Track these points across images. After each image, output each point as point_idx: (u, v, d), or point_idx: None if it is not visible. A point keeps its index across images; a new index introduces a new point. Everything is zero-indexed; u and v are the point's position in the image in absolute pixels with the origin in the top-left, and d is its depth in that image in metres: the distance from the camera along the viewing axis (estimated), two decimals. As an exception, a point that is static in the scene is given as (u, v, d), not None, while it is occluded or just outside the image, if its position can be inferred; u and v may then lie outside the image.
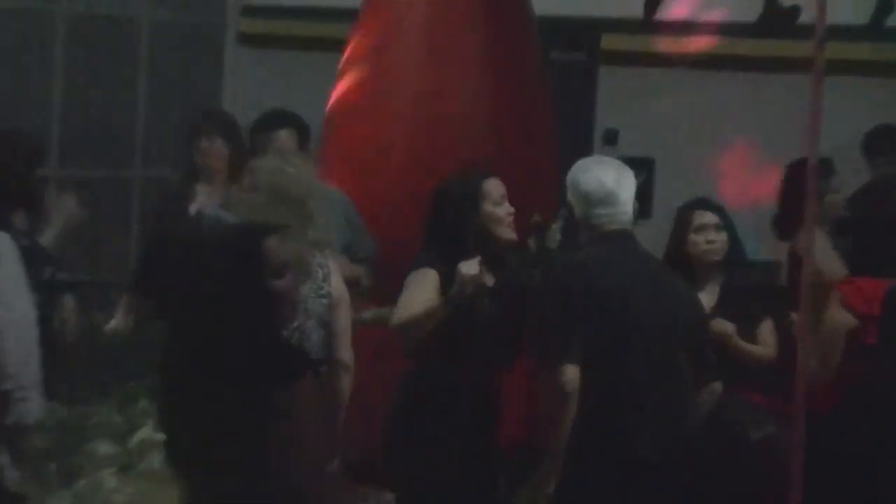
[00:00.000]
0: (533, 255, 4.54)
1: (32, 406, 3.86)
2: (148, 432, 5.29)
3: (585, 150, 7.85)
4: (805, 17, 6.94)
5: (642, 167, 7.52)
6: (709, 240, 4.88)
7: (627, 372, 4.01)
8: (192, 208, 5.38)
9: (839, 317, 4.33)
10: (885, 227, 4.64)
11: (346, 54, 6.25)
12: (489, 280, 4.36)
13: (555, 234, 4.71)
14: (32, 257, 4.68)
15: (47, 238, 5.08)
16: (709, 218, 4.94)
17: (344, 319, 4.51)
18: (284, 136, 5.61)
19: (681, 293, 4.26)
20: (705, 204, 5.04)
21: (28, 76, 8.41)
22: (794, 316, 4.37)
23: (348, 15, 6.51)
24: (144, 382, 5.86)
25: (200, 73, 9.42)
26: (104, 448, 5.02)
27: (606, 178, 4.16)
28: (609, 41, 8.49)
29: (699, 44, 8.04)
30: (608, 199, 4.14)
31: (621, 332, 4.00)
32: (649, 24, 8.12)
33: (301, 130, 5.76)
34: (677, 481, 4.02)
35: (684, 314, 4.18)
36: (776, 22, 7.31)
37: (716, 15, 7.98)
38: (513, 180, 4.62)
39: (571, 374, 3.90)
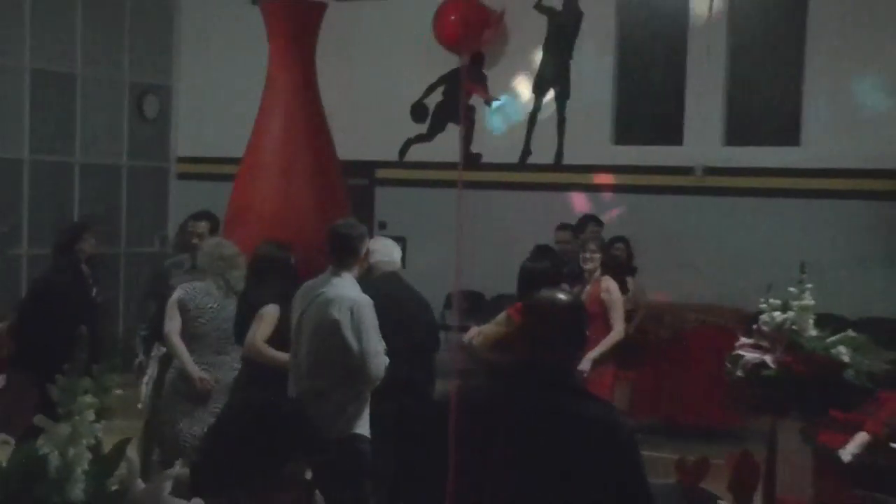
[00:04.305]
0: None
1: None
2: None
3: (369, 232, 11.09)
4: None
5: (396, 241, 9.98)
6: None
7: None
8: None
9: None
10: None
11: (236, 178, 10.26)
12: None
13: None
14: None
15: None
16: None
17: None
18: (203, 225, 8.36)
19: (413, 305, 5.95)
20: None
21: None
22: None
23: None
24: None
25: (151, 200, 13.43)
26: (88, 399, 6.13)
27: (395, 250, 6.22)
28: (381, 173, 12.35)
29: (431, 174, 11.66)
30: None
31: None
32: (402, 162, 12.18)
33: (213, 222, 8.40)
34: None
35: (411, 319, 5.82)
36: (470, 159, 11.33)
37: (442, 156, 11.42)
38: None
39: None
